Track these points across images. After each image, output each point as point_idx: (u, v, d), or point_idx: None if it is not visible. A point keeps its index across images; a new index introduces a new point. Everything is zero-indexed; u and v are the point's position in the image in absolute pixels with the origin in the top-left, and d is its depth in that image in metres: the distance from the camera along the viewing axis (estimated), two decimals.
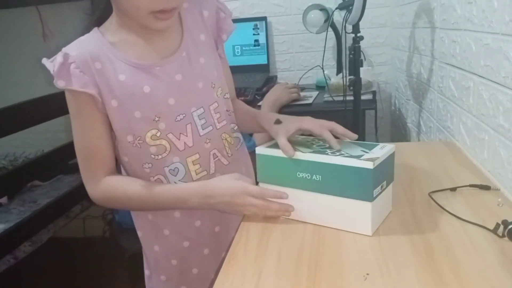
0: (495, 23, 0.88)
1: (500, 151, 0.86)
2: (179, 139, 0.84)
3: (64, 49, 0.79)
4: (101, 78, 0.78)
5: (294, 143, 0.79)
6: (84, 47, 0.79)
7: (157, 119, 0.81)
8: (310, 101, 1.78)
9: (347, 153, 0.73)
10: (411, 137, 1.75)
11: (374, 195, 0.69)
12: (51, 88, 2.04)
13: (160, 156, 0.84)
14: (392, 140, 2.21)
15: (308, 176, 0.74)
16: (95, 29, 0.83)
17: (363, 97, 1.51)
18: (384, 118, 2.20)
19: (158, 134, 0.82)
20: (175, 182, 0.86)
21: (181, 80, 0.83)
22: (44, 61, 0.79)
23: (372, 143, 0.79)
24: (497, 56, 0.87)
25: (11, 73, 2.67)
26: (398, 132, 2.05)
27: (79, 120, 0.82)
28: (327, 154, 0.73)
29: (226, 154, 0.92)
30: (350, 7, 1.38)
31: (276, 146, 0.78)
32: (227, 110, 0.93)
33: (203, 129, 0.86)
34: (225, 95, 0.93)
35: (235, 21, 0.94)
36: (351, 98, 1.46)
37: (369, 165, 0.67)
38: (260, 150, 0.79)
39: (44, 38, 2.52)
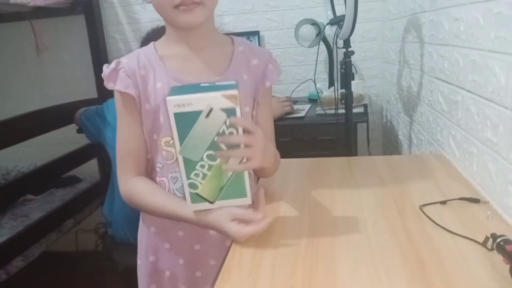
0: (482, 39, 0.91)
1: (488, 165, 0.88)
2: None
3: (121, 58, 0.90)
4: (143, 83, 0.87)
5: None
6: (135, 57, 0.89)
7: None
8: (302, 114, 1.80)
9: None
10: (402, 150, 1.77)
11: None
12: (45, 101, 2.06)
13: (168, 162, 0.89)
14: (384, 152, 2.24)
15: None
16: (152, 43, 0.93)
17: (354, 110, 1.53)
18: (376, 130, 2.23)
19: (171, 142, 0.87)
20: (174, 189, 0.90)
21: None
22: (104, 67, 0.88)
23: None
24: (484, 72, 0.89)
25: (5, 86, 2.67)
26: (390, 144, 2.07)
27: (121, 119, 0.92)
28: None
29: None
30: (341, 23, 1.41)
31: None
32: None
33: None
34: None
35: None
36: (343, 111, 1.48)
37: None
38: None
39: (37, 52, 2.53)
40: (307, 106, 1.94)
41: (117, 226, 1.64)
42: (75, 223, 2.11)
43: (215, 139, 0.71)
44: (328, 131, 1.70)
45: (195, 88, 0.72)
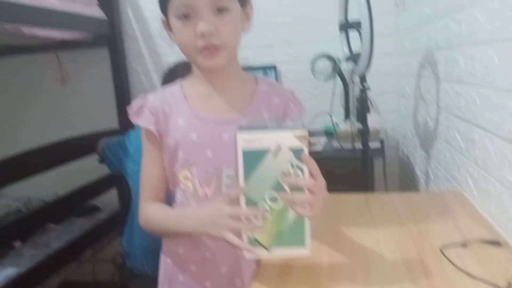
0: (498, 79, 0.92)
1: (507, 205, 0.88)
2: (202, 188, 0.91)
3: (148, 95, 0.95)
4: (165, 119, 0.91)
5: None
6: (161, 95, 0.94)
7: (192, 163, 0.90)
8: (320, 148, 1.81)
9: None
10: (419, 185, 1.76)
11: None
12: (68, 130, 2.12)
13: (187, 195, 0.92)
14: (401, 186, 2.22)
15: None
16: (178, 81, 0.97)
17: (371, 145, 1.54)
18: (392, 165, 2.22)
19: (189, 176, 0.91)
20: None
21: (226, 141, 0.90)
22: (133, 102, 0.94)
23: None
24: (501, 111, 0.90)
25: (29, 115, 2.76)
26: (407, 178, 2.06)
27: (145, 151, 0.97)
28: None
29: None
30: (357, 59, 1.44)
31: None
32: None
33: (226, 188, 0.90)
34: None
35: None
36: (360, 146, 1.50)
37: None
38: None
39: (62, 83, 2.63)
40: (323, 139, 1.96)
41: (135, 258, 1.65)
42: (93, 253, 2.14)
43: (280, 179, 0.69)
44: (345, 165, 1.71)
45: (263, 127, 0.72)
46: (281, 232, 0.71)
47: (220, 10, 0.82)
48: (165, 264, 1.00)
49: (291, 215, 0.71)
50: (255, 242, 0.72)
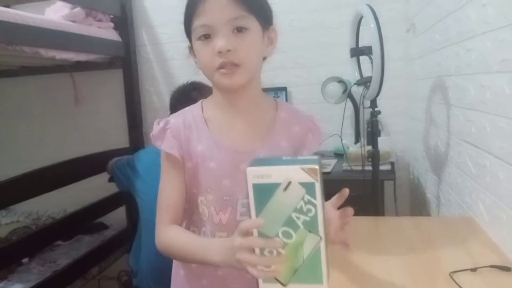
0: (508, 108, 0.93)
1: None
2: (217, 214, 0.91)
3: (169, 117, 0.95)
4: (186, 143, 0.91)
5: None
6: (183, 117, 0.94)
7: (209, 190, 0.91)
8: (329, 169, 1.82)
9: None
10: (430, 209, 1.75)
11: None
12: (80, 149, 2.15)
13: (203, 218, 0.93)
14: (412, 210, 2.20)
15: None
16: (200, 101, 0.97)
17: (381, 167, 1.54)
18: (403, 187, 2.21)
19: (205, 202, 0.92)
20: None
21: (243, 170, 0.89)
22: (155, 123, 0.93)
23: None
24: None
25: (43, 134, 2.81)
26: (417, 202, 2.05)
27: (164, 173, 0.95)
28: None
29: None
30: (368, 84, 1.45)
31: None
32: None
33: (240, 216, 0.91)
34: None
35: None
36: (370, 168, 1.50)
37: None
38: None
39: (76, 102, 2.68)
40: (333, 161, 1.96)
41: (142, 276, 1.65)
42: (99, 270, 2.13)
43: (292, 215, 0.67)
44: (354, 187, 1.68)
45: (276, 161, 0.70)
46: (297, 268, 0.69)
47: (239, 30, 0.83)
48: (177, 275, 1.01)
49: (306, 250, 0.69)
50: (271, 277, 0.70)
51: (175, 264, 1.02)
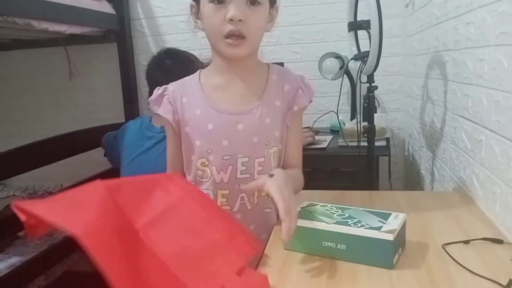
0: (506, 81, 0.92)
1: None
2: (218, 173, 0.97)
3: (169, 85, 1.00)
4: (183, 109, 0.97)
5: (316, 213, 0.86)
6: (181, 85, 1.00)
7: (209, 151, 0.97)
8: (324, 145, 1.82)
9: (367, 224, 0.79)
10: (424, 185, 1.76)
11: (394, 263, 0.77)
12: (75, 123, 2.13)
13: (202, 179, 0.99)
14: (406, 186, 2.22)
15: (333, 245, 0.81)
16: (198, 71, 1.03)
17: (377, 144, 1.54)
18: (398, 163, 2.22)
19: (206, 163, 0.97)
20: None
21: (241, 130, 0.96)
22: (155, 89, 0.99)
23: (385, 212, 0.85)
24: (508, 113, 0.90)
25: (37, 109, 2.78)
26: (412, 178, 2.06)
27: (167, 136, 1.03)
28: (349, 225, 0.80)
29: (252, 201, 1.01)
30: (365, 58, 1.44)
31: (303, 213, 0.85)
32: (272, 167, 1.01)
33: (241, 174, 0.97)
34: (279, 155, 1.02)
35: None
36: (365, 143, 1.50)
37: (389, 237, 0.75)
38: None
39: (70, 77, 2.64)
40: (329, 137, 1.96)
41: None
42: None
43: None
44: (349, 163, 1.72)
45: None
46: None
47: (253, 2, 0.86)
48: None
49: None
50: None
51: None
